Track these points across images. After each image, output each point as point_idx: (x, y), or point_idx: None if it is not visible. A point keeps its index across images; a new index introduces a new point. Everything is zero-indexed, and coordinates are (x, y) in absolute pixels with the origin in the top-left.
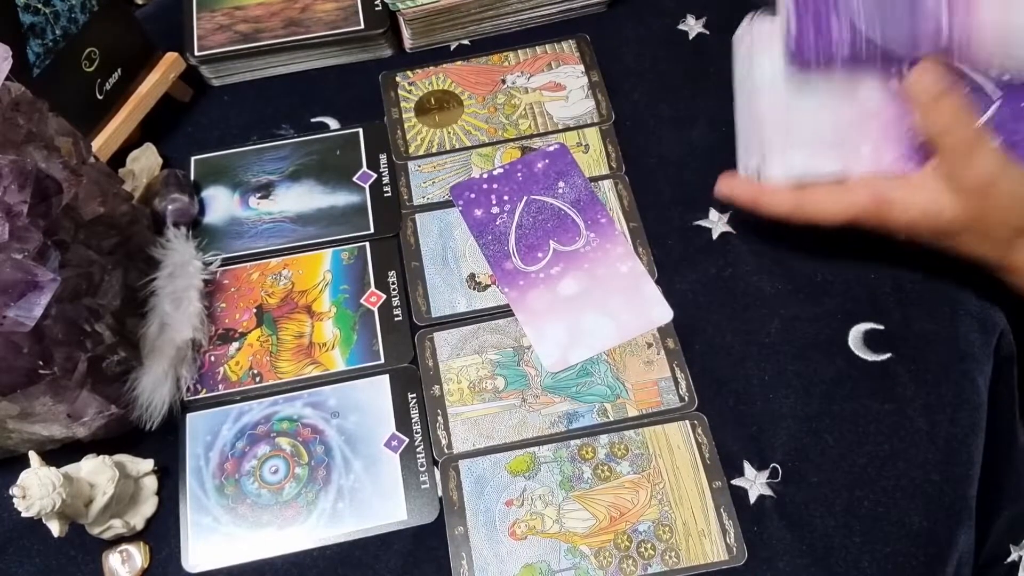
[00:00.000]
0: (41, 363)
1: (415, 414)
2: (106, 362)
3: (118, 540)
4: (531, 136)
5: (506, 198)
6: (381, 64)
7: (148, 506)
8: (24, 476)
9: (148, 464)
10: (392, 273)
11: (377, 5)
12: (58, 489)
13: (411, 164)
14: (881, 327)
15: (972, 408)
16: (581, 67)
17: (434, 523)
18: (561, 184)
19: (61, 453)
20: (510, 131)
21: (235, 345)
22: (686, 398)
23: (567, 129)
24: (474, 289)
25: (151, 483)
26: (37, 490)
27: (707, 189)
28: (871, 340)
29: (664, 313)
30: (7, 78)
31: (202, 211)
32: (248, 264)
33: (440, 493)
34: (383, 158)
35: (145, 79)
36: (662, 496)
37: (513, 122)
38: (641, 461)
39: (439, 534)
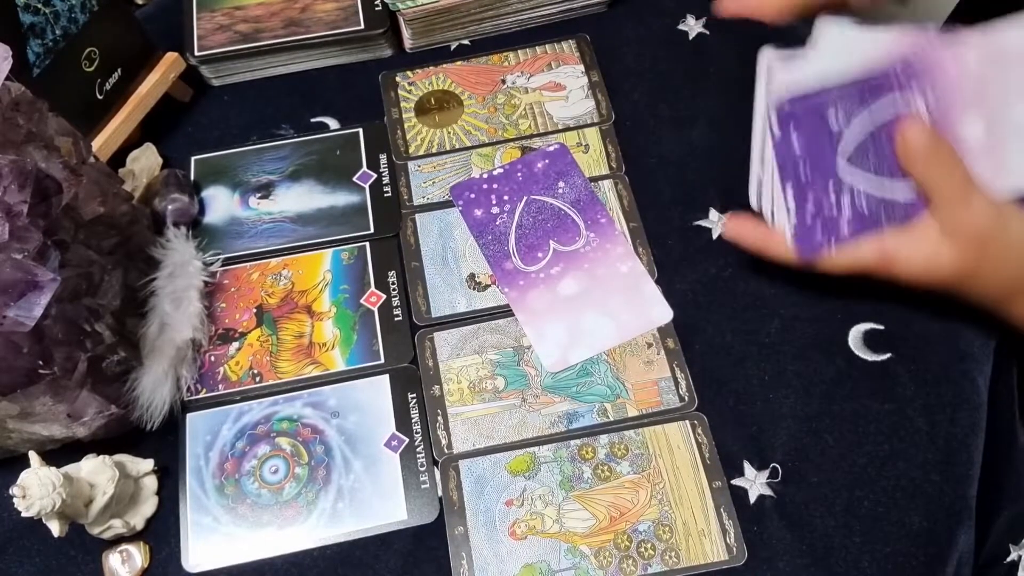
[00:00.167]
0: (41, 363)
1: (415, 414)
2: (106, 362)
3: (118, 540)
4: (531, 136)
5: (506, 198)
6: (381, 64)
7: (148, 506)
8: (24, 476)
9: (148, 464)
10: (392, 273)
11: (377, 5)
12: (58, 489)
13: (411, 164)
14: (881, 327)
15: (972, 408)
16: (581, 67)
17: (434, 523)
18: (561, 184)
19: (61, 453)
20: (510, 131)
21: (235, 345)
22: (686, 398)
23: (567, 129)
24: (474, 289)
25: (151, 483)
26: (37, 490)
27: (707, 189)
28: (871, 340)
29: (664, 313)
30: (7, 78)
31: (202, 211)
32: (248, 264)
33: (440, 493)
34: (383, 158)
35: (145, 79)
36: (662, 496)
37: (513, 122)
38: (641, 461)
39: (439, 534)
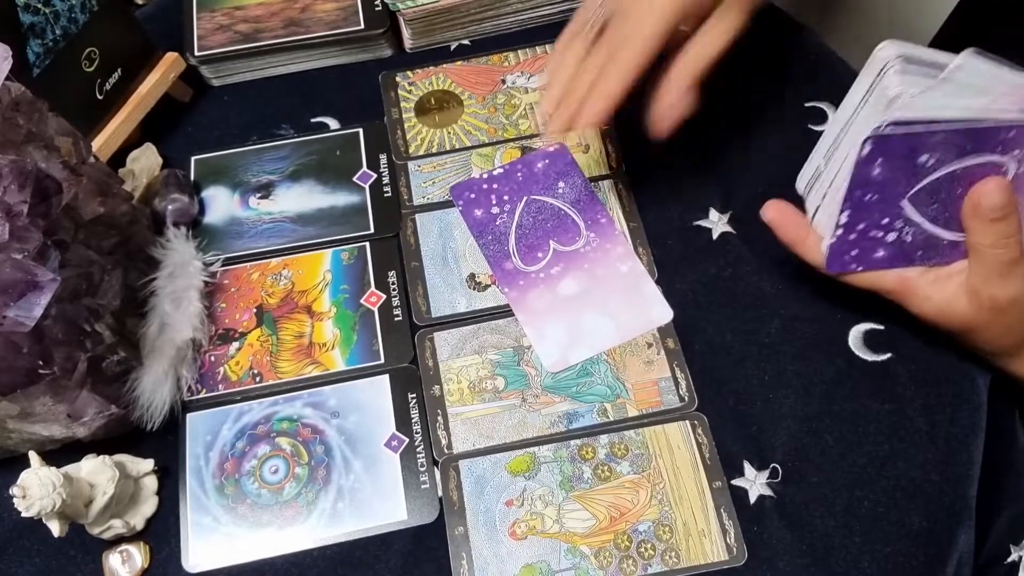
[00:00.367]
0: (41, 363)
1: (415, 414)
2: (106, 362)
3: (118, 540)
4: (531, 136)
5: (506, 198)
6: (381, 64)
7: (148, 506)
8: (24, 476)
9: (148, 464)
10: (392, 273)
11: (377, 5)
12: (58, 489)
13: (411, 164)
14: (881, 327)
15: (972, 408)
16: None
17: (434, 523)
18: (561, 184)
19: (61, 453)
20: (510, 131)
21: (235, 345)
22: (686, 398)
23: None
24: (474, 289)
25: (151, 483)
26: (37, 490)
27: (707, 189)
28: (871, 340)
29: (664, 313)
30: (7, 78)
31: (202, 211)
32: (248, 264)
33: (440, 493)
34: (383, 158)
35: (145, 79)
36: (662, 496)
37: (513, 122)
38: (641, 461)
39: (439, 534)
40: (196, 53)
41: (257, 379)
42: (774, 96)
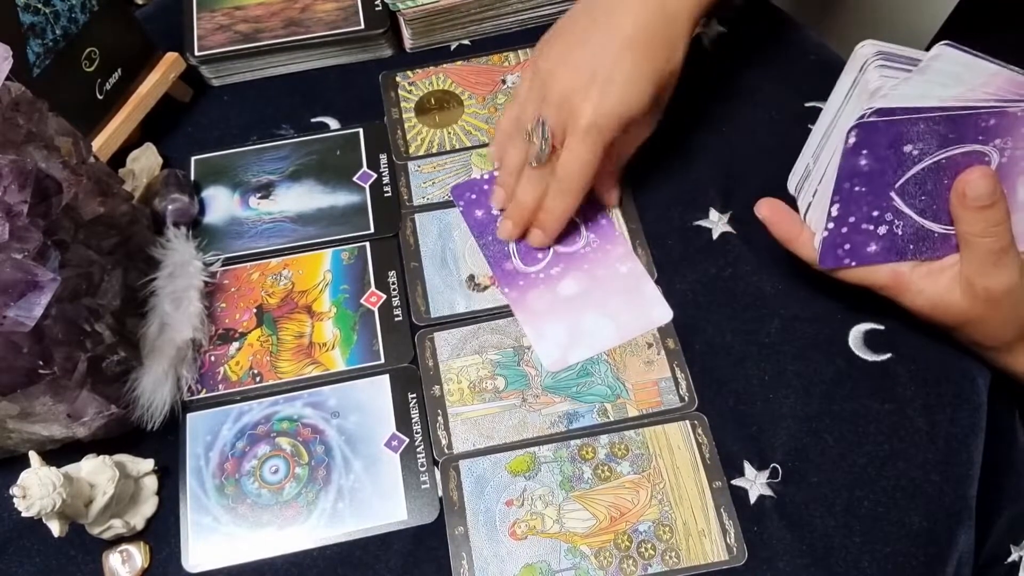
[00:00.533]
0: (41, 363)
1: (415, 414)
2: (106, 362)
3: (118, 540)
4: None
5: None
6: (381, 64)
7: (148, 506)
8: (24, 476)
9: (148, 464)
10: (392, 273)
11: (377, 5)
12: (58, 489)
13: (411, 164)
14: (881, 327)
15: (972, 408)
16: None
17: (434, 523)
18: None
19: (61, 453)
20: None
21: (235, 345)
22: (686, 398)
23: None
24: (473, 290)
25: (151, 483)
26: (37, 490)
27: (707, 189)
28: (871, 340)
29: (664, 313)
30: (7, 78)
31: (202, 211)
32: (248, 264)
33: (440, 493)
34: (383, 158)
35: (145, 79)
36: (662, 496)
37: None
38: (641, 461)
39: (439, 534)
40: (196, 53)
41: (257, 379)
42: (774, 96)
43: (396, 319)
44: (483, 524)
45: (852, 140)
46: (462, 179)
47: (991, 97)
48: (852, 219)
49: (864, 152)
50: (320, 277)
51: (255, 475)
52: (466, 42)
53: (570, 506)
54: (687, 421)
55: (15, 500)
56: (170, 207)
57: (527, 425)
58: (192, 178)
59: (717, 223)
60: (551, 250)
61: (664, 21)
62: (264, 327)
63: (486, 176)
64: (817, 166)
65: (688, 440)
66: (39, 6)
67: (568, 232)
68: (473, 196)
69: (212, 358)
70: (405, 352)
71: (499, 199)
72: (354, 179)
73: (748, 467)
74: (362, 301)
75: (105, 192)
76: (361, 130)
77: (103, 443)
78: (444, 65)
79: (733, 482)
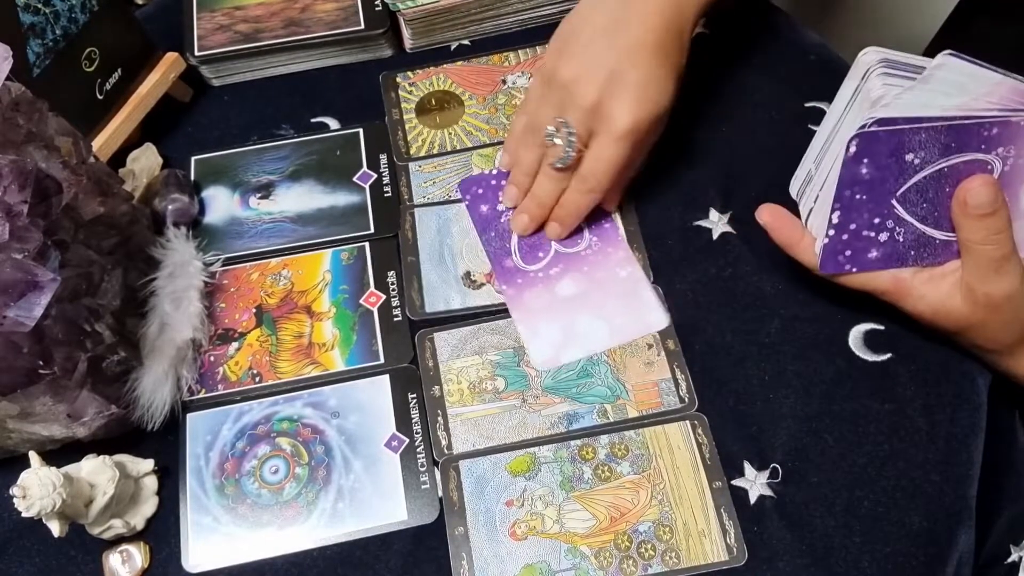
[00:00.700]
0: (41, 363)
1: (415, 414)
2: (106, 362)
3: (118, 540)
4: None
5: None
6: (381, 64)
7: (148, 506)
8: (24, 476)
9: (148, 464)
10: (391, 273)
11: (377, 5)
12: (58, 489)
13: (411, 164)
14: (881, 327)
15: (972, 408)
16: None
17: (434, 523)
18: None
19: (61, 453)
20: None
21: (234, 345)
22: (686, 399)
23: None
24: (469, 287)
25: (151, 483)
26: (37, 490)
27: (707, 189)
28: (871, 340)
29: (660, 319)
30: (7, 78)
31: (202, 211)
32: (248, 264)
33: (440, 493)
34: (383, 158)
35: (145, 79)
36: (662, 496)
37: None
38: (641, 461)
39: (439, 534)
40: (196, 53)
41: (256, 379)
42: (774, 96)
43: (395, 319)
44: (483, 524)
45: (853, 149)
46: (463, 178)
47: (994, 106)
48: (853, 226)
49: (865, 160)
50: (319, 277)
51: (255, 475)
52: (466, 42)
53: (570, 506)
54: (687, 421)
55: (15, 500)
56: (170, 207)
57: (527, 426)
58: (192, 178)
59: (717, 223)
60: (552, 250)
61: (678, 20)
62: (263, 327)
63: (495, 172)
64: (819, 172)
65: (688, 440)
66: (39, 6)
67: (571, 232)
68: (480, 191)
69: (211, 358)
70: (404, 352)
71: (512, 197)
72: (354, 179)
73: (748, 467)
74: (361, 301)
75: (105, 192)
76: (361, 130)
77: (103, 443)
78: (444, 65)
79: (733, 482)
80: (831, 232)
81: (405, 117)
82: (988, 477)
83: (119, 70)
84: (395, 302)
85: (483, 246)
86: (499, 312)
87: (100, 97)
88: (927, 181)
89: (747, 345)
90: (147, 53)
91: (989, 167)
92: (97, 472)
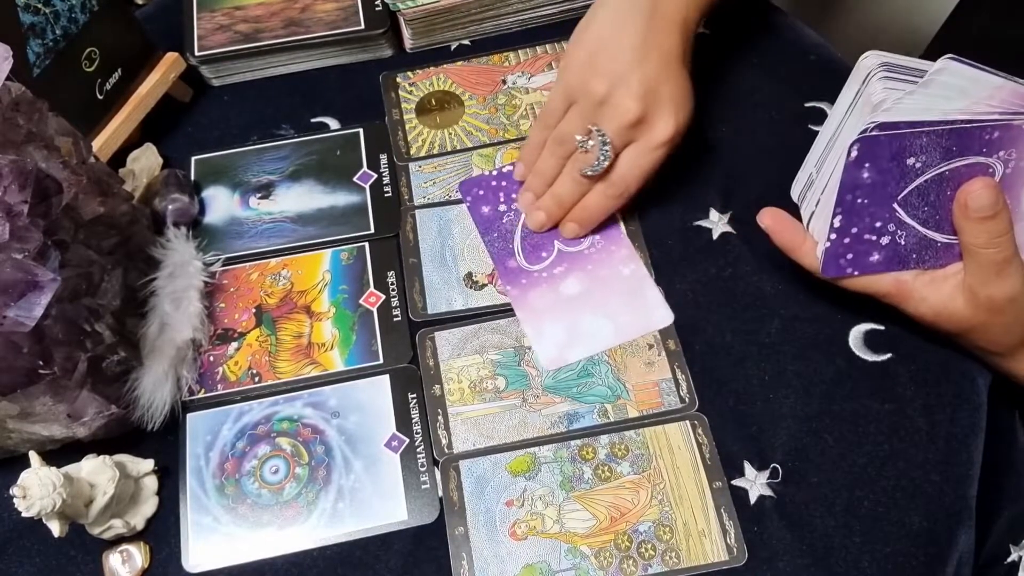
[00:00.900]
0: (41, 363)
1: (415, 414)
2: (106, 362)
3: (118, 540)
4: None
5: (514, 196)
6: (381, 64)
7: (148, 506)
8: (24, 476)
9: (148, 464)
10: (391, 273)
11: (377, 5)
12: (58, 489)
13: (412, 164)
14: (881, 327)
15: (972, 408)
16: None
17: (434, 523)
18: None
19: (61, 453)
20: (511, 132)
21: (234, 345)
22: (687, 399)
23: None
24: (471, 288)
25: (151, 483)
26: (37, 490)
27: (707, 189)
28: (871, 340)
29: (665, 317)
30: (7, 78)
31: (202, 211)
32: (247, 264)
33: (440, 493)
34: (383, 158)
35: (145, 79)
36: (662, 496)
37: (514, 123)
38: (641, 461)
39: (439, 534)
40: (196, 53)
41: (256, 379)
42: (774, 96)
43: (395, 319)
44: (483, 524)
45: (854, 154)
46: (463, 180)
47: (995, 110)
48: (854, 230)
49: (866, 165)
50: (319, 277)
51: (255, 475)
52: (466, 42)
53: (570, 506)
54: (687, 421)
55: (15, 500)
56: (170, 207)
57: (527, 425)
58: (192, 178)
59: (717, 223)
60: (555, 249)
61: (690, 27)
62: (263, 327)
63: (495, 172)
64: (820, 176)
65: (688, 440)
66: (39, 6)
67: None
68: (480, 192)
69: (211, 358)
70: (404, 352)
71: (527, 202)
72: (354, 179)
73: (748, 467)
74: (361, 301)
75: (105, 192)
76: (361, 130)
77: (103, 443)
78: (444, 65)
79: (733, 482)
80: (833, 236)
81: (405, 117)
82: (988, 477)
83: (119, 70)
84: (395, 302)
85: (486, 247)
86: (500, 312)
87: (100, 97)
88: (928, 185)
89: (747, 345)
90: (147, 53)
91: (990, 170)
92: (97, 472)
